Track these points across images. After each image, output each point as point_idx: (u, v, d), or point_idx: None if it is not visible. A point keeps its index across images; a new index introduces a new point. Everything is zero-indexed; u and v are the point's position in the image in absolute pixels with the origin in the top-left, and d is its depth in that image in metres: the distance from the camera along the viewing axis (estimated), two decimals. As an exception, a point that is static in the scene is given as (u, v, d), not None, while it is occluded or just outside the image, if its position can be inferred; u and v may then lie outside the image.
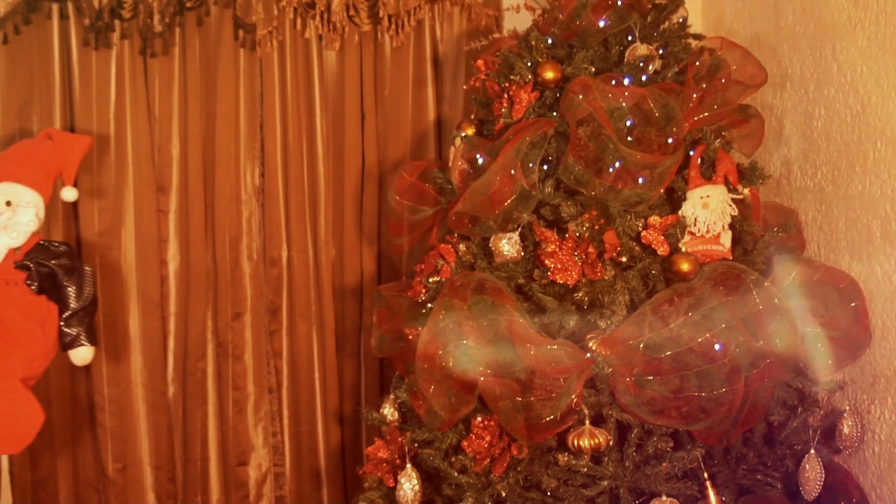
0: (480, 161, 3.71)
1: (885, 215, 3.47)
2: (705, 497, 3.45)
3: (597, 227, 3.51)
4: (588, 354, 3.37)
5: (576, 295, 3.50)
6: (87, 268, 3.68)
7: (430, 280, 3.79)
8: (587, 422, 3.40)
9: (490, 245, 3.64)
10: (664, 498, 3.41)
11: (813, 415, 3.72)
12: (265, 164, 4.65)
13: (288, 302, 4.69)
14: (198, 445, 4.73)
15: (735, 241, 3.60)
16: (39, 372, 3.60)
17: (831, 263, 3.73)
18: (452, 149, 3.95)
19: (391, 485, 3.76)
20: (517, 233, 3.61)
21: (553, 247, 3.49)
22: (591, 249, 3.47)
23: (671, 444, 3.45)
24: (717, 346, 3.31)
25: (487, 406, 3.43)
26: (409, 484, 3.63)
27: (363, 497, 3.82)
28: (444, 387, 3.45)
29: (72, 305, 3.60)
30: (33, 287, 3.56)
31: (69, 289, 3.59)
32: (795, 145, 3.99)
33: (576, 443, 3.39)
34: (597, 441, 3.37)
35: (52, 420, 4.46)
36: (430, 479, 3.69)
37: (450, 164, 3.91)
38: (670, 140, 3.50)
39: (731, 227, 3.57)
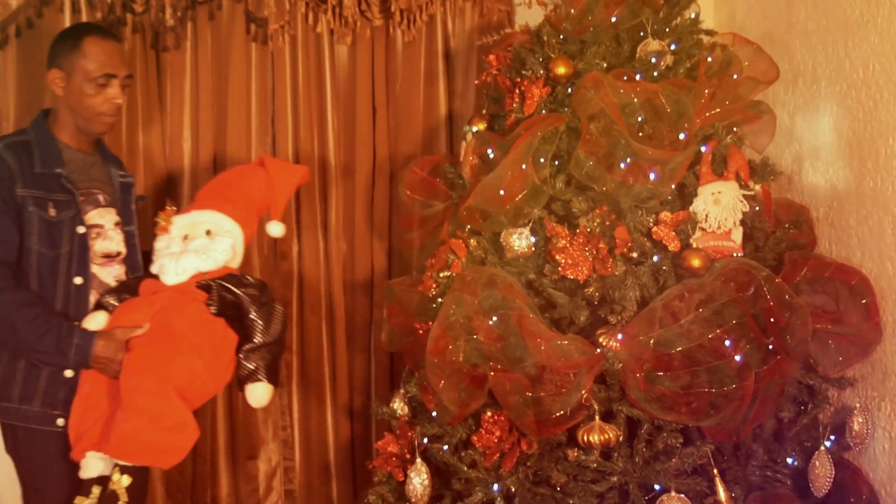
0: (491, 156, 3.72)
1: (896, 212, 3.48)
2: (715, 493, 3.45)
3: (608, 223, 3.52)
4: (598, 350, 3.37)
5: (586, 290, 3.50)
6: (278, 306, 3.59)
7: (441, 275, 3.79)
8: (597, 417, 3.40)
9: (501, 240, 3.65)
10: (674, 494, 3.41)
11: (823, 411, 3.72)
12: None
13: (298, 296, 4.69)
14: (207, 439, 4.73)
15: (746, 237, 3.60)
16: (202, 393, 3.44)
17: (842, 260, 3.73)
18: (464, 144, 3.95)
19: (401, 479, 3.76)
20: (528, 228, 3.61)
21: (564, 242, 3.50)
22: (601, 245, 3.48)
23: (681, 440, 3.45)
24: (727, 343, 3.32)
25: (497, 401, 3.43)
26: (418, 478, 3.63)
27: (373, 491, 3.83)
28: (455, 381, 3.45)
29: (256, 339, 3.49)
30: (212, 308, 3.48)
31: (256, 322, 3.50)
32: (807, 142, 3.99)
33: (586, 438, 3.39)
34: (606, 437, 3.38)
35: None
36: (440, 474, 3.69)
37: (461, 159, 3.92)
38: (682, 136, 3.50)
39: (743, 223, 3.56)
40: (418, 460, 3.64)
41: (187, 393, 3.34)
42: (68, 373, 3.48)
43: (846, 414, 3.65)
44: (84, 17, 4.40)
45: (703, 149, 3.60)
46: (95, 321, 3.48)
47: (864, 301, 3.57)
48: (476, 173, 3.78)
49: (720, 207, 3.53)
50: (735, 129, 3.74)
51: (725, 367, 3.32)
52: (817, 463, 3.55)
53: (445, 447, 3.63)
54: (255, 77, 4.66)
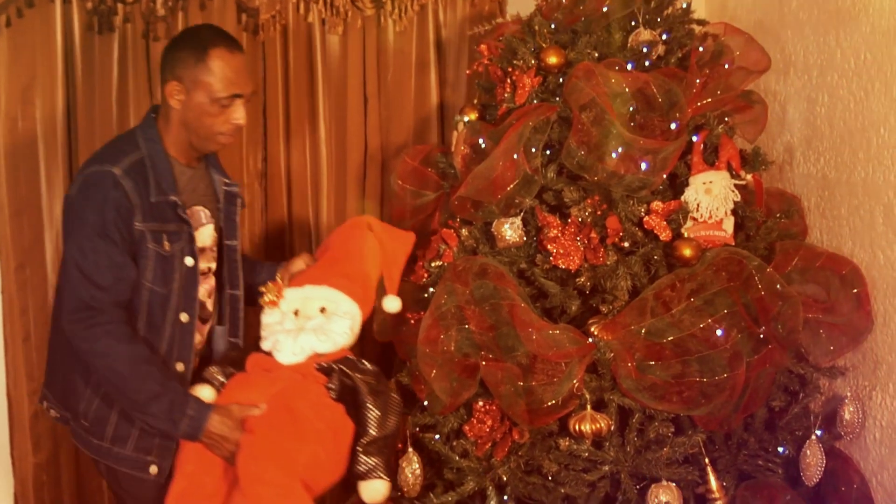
0: (483, 145, 3.72)
1: (887, 202, 3.47)
2: (706, 482, 3.46)
3: (599, 213, 3.52)
4: (590, 339, 3.38)
5: (578, 280, 3.51)
6: (395, 395, 3.48)
7: (433, 264, 3.79)
8: (588, 406, 3.40)
9: (492, 230, 3.65)
10: (665, 483, 3.42)
11: (814, 401, 3.73)
12: (267, 149, 4.63)
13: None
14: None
15: (737, 226, 3.61)
16: (324, 483, 3.31)
17: (834, 250, 3.73)
18: (455, 133, 3.96)
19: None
20: (520, 217, 3.62)
21: (555, 232, 3.50)
22: (593, 234, 3.48)
23: (672, 430, 3.46)
24: (718, 332, 3.33)
25: (489, 390, 3.44)
26: (410, 468, 3.63)
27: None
28: (446, 371, 3.46)
29: (372, 432, 3.37)
30: (332, 393, 3.40)
31: (372, 412, 3.37)
32: (798, 131, 3.99)
33: (577, 427, 3.40)
34: (598, 426, 3.38)
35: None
36: (432, 464, 3.69)
37: (452, 149, 3.92)
38: (673, 125, 3.51)
39: (734, 212, 3.58)
40: (410, 450, 3.64)
41: (310, 483, 3.24)
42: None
43: (837, 403, 3.66)
44: (75, 7, 4.38)
45: (694, 138, 3.61)
46: (201, 396, 3.35)
47: (855, 290, 3.58)
48: (467, 163, 3.78)
49: (711, 197, 3.53)
50: (726, 118, 3.74)
51: (717, 356, 3.33)
52: (808, 452, 3.55)
53: (437, 437, 3.63)
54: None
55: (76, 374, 3.37)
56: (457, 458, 3.59)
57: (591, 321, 3.43)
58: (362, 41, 4.71)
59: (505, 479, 3.53)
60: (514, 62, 3.79)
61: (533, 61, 3.74)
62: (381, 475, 3.36)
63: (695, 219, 3.53)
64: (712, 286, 3.39)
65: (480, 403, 3.52)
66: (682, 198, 3.55)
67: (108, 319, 3.19)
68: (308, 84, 4.66)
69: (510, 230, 3.61)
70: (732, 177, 3.59)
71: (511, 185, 3.56)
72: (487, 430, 3.52)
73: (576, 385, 3.36)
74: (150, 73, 4.51)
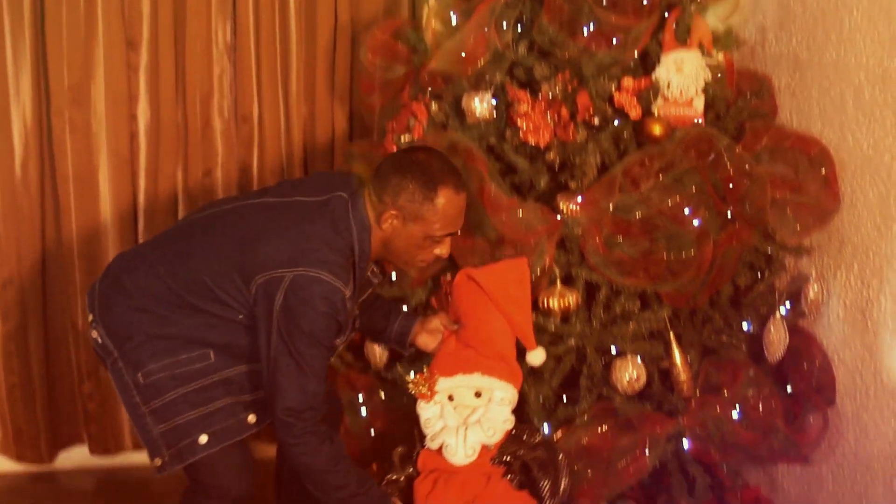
0: (454, 20, 3.69)
1: (858, 84, 3.47)
2: (670, 357, 3.51)
3: (570, 89, 3.51)
4: (558, 216, 3.39)
5: (547, 156, 3.51)
6: (561, 456, 3.38)
7: (402, 138, 3.78)
8: (558, 282, 3.43)
9: (462, 105, 3.64)
10: (630, 357, 3.46)
11: (779, 279, 3.78)
12: (237, 21, 4.57)
13: (259, 159, 4.65)
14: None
15: (708, 105, 3.61)
16: None
17: (803, 130, 3.73)
18: (426, 8, 3.94)
19: (359, 342, 3.80)
20: (490, 93, 3.60)
21: (525, 107, 3.49)
22: (563, 111, 3.48)
23: (638, 305, 3.50)
24: (686, 210, 3.35)
25: (457, 264, 3.46)
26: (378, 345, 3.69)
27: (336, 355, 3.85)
28: (415, 245, 3.47)
29: (546, 501, 3.34)
30: (514, 482, 3.37)
31: (543, 482, 3.33)
32: (771, 12, 3.96)
33: (546, 303, 3.43)
34: (567, 301, 3.41)
35: (23, 276, 4.46)
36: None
37: (423, 24, 3.89)
38: (645, 2, 3.49)
39: (705, 91, 3.57)
40: (378, 323, 3.66)
41: None
42: (251, 418, 3.29)
43: (802, 282, 3.69)
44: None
45: (666, 15, 3.59)
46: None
47: (823, 171, 3.59)
48: (438, 38, 3.76)
49: (682, 76, 3.53)
50: (699, -3, 3.72)
51: (684, 233, 3.36)
52: (772, 329, 3.60)
53: (405, 308, 3.66)
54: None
55: (160, 339, 3.25)
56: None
57: (559, 197, 3.44)
58: (332, -89, 4.64)
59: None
60: (486, -64, 3.75)
61: (505, -64, 3.71)
62: None
63: (665, 97, 3.52)
64: (681, 164, 3.41)
65: (448, 277, 3.54)
66: (653, 76, 3.54)
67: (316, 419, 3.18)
68: (276, -43, 4.59)
69: (480, 105, 3.60)
70: (704, 56, 3.58)
71: (482, 60, 3.54)
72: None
73: (547, 263, 3.39)
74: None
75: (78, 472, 4.70)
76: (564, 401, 3.57)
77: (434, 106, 3.72)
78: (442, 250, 3.22)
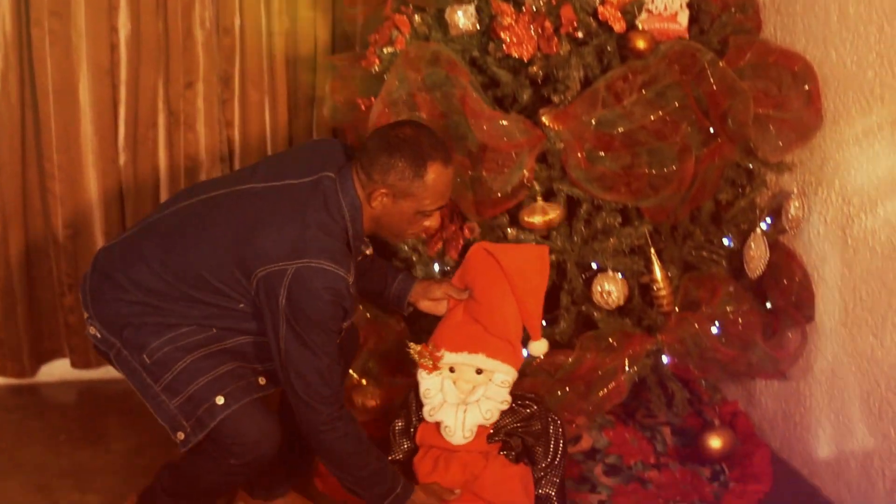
0: (437, -70, 3.66)
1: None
2: (651, 272, 3.52)
3: (554, 2, 3.49)
4: (540, 129, 3.38)
5: (530, 69, 3.49)
6: (554, 419, 3.48)
7: (385, 51, 3.75)
8: (539, 199, 3.43)
9: (445, 17, 3.61)
10: (610, 272, 3.48)
11: (761, 195, 3.79)
12: (218, -69, 4.54)
13: (240, 71, 4.62)
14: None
15: (692, 20, 3.60)
16: None
17: (787, 46, 3.72)
18: (409, -83, 3.88)
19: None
20: (473, 5, 3.58)
21: (509, 20, 3.47)
22: (547, 24, 3.45)
23: (619, 220, 3.51)
24: (669, 124, 3.34)
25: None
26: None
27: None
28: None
29: (541, 464, 3.45)
30: (511, 457, 3.43)
31: (537, 450, 3.44)
32: (758, -75, 3.94)
33: (528, 219, 3.43)
34: (549, 218, 3.42)
35: (2, 187, 4.44)
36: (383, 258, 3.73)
37: (406, -67, 3.85)
38: (629, -87, 3.46)
39: (689, 5, 3.55)
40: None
41: None
42: (261, 380, 3.28)
43: (783, 198, 3.69)
44: None
45: (651, -72, 3.57)
46: None
47: (806, 87, 3.58)
48: (421, -52, 3.73)
49: (667, -11, 3.52)
50: None
51: (666, 148, 3.36)
52: (752, 245, 3.62)
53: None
54: None
55: (155, 317, 3.24)
56: (406, 248, 3.64)
57: (542, 111, 3.43)
58: None
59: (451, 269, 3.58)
60: None
61: None
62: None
63: (650, 11, 3.51)
64: (664, 79, 3.40)
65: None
66: (638, -11, 3.53)
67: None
68: None
69: (464, 17, 3.57)
70: (689, -31, 3.57)
71: (465, -28, 3.52)
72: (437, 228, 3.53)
73: (526, 175, 3.38)
74: None
75: (60, 385, 4.71)
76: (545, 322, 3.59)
77: (417, 18, 3.69)
78: (432, 222, 3.22)
